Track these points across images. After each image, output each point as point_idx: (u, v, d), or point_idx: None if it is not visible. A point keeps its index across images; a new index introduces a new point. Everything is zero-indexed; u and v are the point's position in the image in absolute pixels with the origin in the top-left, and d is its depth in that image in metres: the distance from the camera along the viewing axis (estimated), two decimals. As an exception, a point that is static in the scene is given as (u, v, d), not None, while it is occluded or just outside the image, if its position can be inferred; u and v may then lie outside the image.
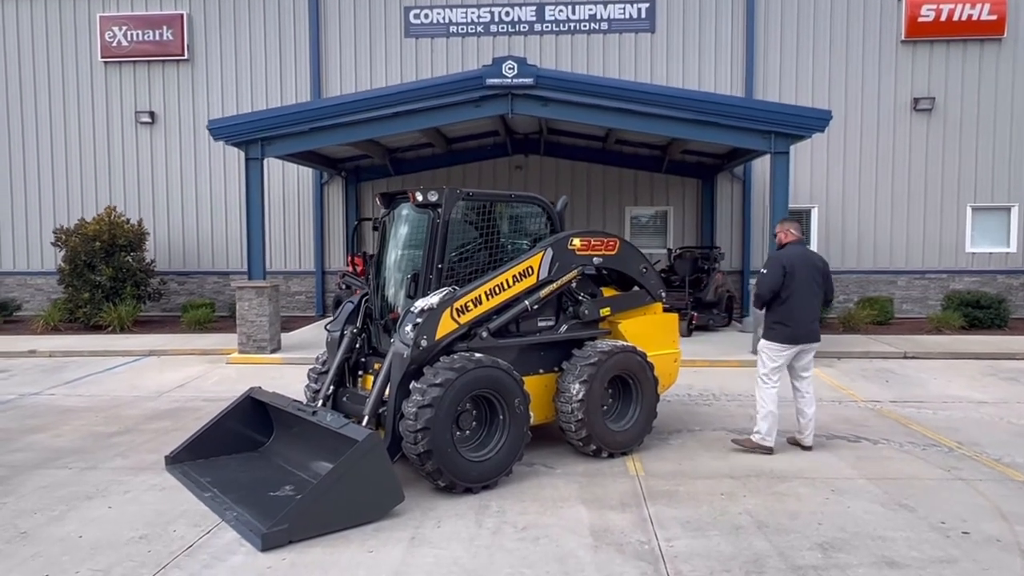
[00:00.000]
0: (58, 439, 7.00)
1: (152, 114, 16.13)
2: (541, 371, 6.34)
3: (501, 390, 5.51)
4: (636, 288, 6.96)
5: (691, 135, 10.89)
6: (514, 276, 5.96)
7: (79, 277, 14.14)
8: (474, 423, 5.56)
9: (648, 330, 6.85)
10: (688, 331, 12.63)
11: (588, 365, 6.10)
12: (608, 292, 6.89)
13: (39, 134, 16.35)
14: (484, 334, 5.81)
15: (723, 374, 9.98)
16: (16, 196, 16.44)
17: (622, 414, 6.46)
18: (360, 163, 15.86)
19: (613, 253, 6.64)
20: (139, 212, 15.92)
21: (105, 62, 16.16)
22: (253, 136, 10.88)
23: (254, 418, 6.34)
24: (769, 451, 6.32)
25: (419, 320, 5.45)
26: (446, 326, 5.55)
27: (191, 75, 16.11)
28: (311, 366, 6.64)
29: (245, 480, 5.63)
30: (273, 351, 11.23)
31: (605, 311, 6.66)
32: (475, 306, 5.72)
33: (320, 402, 6.08)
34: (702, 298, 13.37)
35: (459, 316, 5.63)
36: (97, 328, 13.95)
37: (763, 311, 6.61)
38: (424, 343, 5.42)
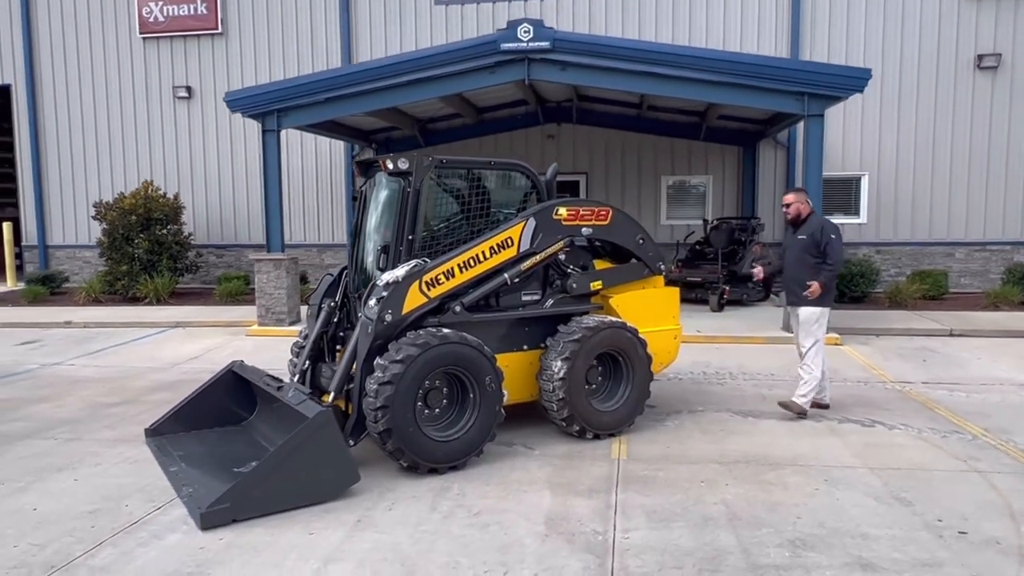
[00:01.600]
0: (59, 409, 7.11)
1: (189, 88, 16.31)
2: (526, 347, 6.05)
3: (470, 367, 5.26)
4: (634, 261, 6.57)
5: (717, 98, 10.28)
6: (491, 248, 5.66)
7: (117, 250, 14.49)
8: (444, 401, 5.34)
9: (643, 305, 6.46)
10: (719, 306, 12.10)
11: (571, 342, 5.78)
12: (602, 265, 6.52)
13: (83, 110, 16.75)
14: (457, 308, 5.55)
15: (746, 352, 9.47)
16: (64, 171, 16.95)
17: (611, 393, 6.13)
18: (391, 134, 15.69)
19: (605, 223, 6.26)
20: (178, 186, 16.19)
21: (143, 38, 16.39)
22: (269, 107, 10.81)
23: (239, 392, 6.27)
24: (803, 413, 6.49)
25: (384, 294, 5.23)
26: (414, 300, 5.32)
27: (225, 49, 16.19)
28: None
29: (218, 455, 5.55)
30: (292, 323, 11.25)
31: (596, 285, 6.30)
32: (447, 279, 5.46)
33: (296, 377, 5.96)
34: (737, 271, 12.76)
35: (428, 290, 5.38)
36: (135, 300, 14.30)
37: (803, 277, 6.48)
38: (389, 318, 5.20)
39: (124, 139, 16.70)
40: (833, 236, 6.39)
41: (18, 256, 17.72)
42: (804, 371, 6.53)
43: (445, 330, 5.26)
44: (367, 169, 6.07)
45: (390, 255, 5.56)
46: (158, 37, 16.34)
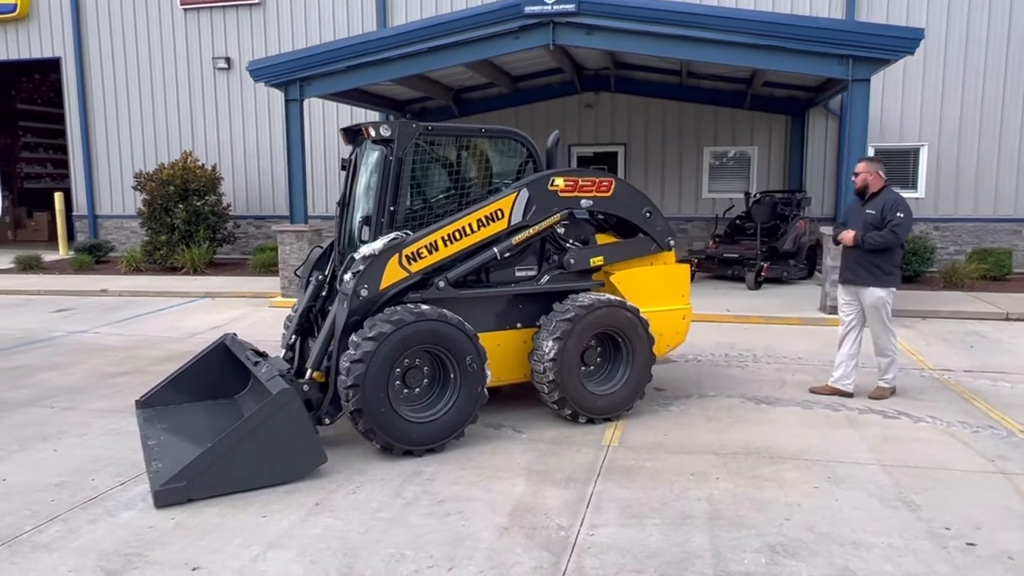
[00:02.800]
0: (66, 377, 7.17)
1: (228, 60, 16.36)
2: (519, 325, 5.74)
3: (449, 346, 4.99)
4: (641, 236, 6.17)
5: (751, 63, 9.64)
6: (479, 220, 5.35)
7: (156, 220, 14.72)
8: (426, 381, 5.10)
9: (648, 283, 6.07)
10: (756, 284, 11.51)
11: (563, 321, 5.45)
12: (605, 240, 6.14)
13: (128, 82, 17.00)
14: (441, 284, 5.27)
15: (776, 333, 8.95)
16: (111, 142, 17.30)
17: (610, 376, 5.78)
18: (425, 104, 15.42)
19: (607, 195, 5.86)
20: (218, 157, 16.33)
21: (185, 9, 16.47)
22: (291, 76, 10.66)
23: (234, 365, 6.17)
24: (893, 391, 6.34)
25: (361, 268, 5.00)
26: (393, 275, 5.07)
27: (263, 19, 16.14)
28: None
29: (201, 428, 5.44)
30: (315, 295, 11.17)
31: (597, 260, 5.93)
32: (429, 253, 5.19)
33: (284, 351, 5.82)
34: (778, 247, 12.12)
35: (409, 264, 5.12)
36: (173, 270, 14.53)
37: (870, 255, 6.12)
38: (364, 293, 4.97)
39: (167, 110, 16.90)
40: (901, 215, 5.99)
41: (71, 226, 18.25)
42: (882, 358, 6.30)
43: (423, 307, 5.01)
44: (354, 137, 5.81)
45: (372, 227, 5.31)
46: (199, 8, 16.41)
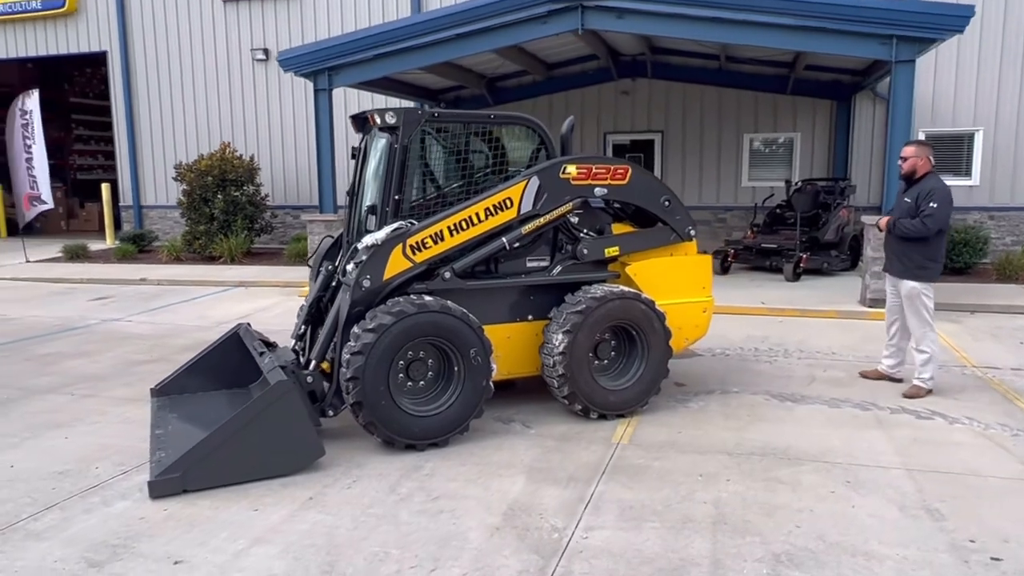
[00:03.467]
0: (92, 365, 7.29)
1: (266, 51, 16.50)
2: (531, 317, 5.58)
3: (453, 338, 4.87)
4: (661, 226, 5.93)
5: (790, 44, 9.24)
6: (487, 209, 5.20)
7: (195, 210, 14.95)
8: (431, 374, 4.99)
9: (666, 274, 5.84)
10: (794, 275, 11.09)
11: (574, 313, 5.27)
12: (622, 229, 5.92)
13: (171, 74, 17.31)
14: (447, 275, 5.14)
15: (812, 326, 8.59)
16: (155, 133, 17.66)
17: (624, 370, 5.59)
18: (459, 93, 15.32)
19: (622, 183, 5.64)
20: (256, 148, 16.51)
21: (224, 1, 16.66)
22: (320, 66, 10.66)
23: (250, 355, 6.16)
24: (930, 391, 6.00)
25: (363, 258, 4.91)
26: (396, 265, 4.96)
27: (300, 10, 16.22)
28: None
29: (211, 418, 5.40)
30: (343, 285, 11.20)
31: (611, 250, 5.72)
32: (435, 243, 5.06)
33: (294, 342, 5.78)
34: (819, 237, 11.68)
35: (414, 254, 5.00)
36: (211, 259, 14.75)
37: (905, 245, 5.93)
38: (367, 283, 4.88)
39: (207, 102, 17.15)
40: (935, 205, 5.72)
41: (118, 216, 18.72)
42: (919, 354, 6.01)
43: (427, 298, 4.88)
44: (363, 124, 5.71)
45: (377, 216, 5.21)
46: (238, 0, 16.57)
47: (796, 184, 13.11)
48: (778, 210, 12.61)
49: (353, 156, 5.90)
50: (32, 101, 14.49)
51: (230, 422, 4.33)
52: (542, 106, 15.21)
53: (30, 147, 14.70)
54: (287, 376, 4.65)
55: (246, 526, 3.84)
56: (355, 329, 4.76)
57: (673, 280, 5.87)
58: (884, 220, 6.09)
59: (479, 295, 5.33)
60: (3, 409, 5.89)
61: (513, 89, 15.24)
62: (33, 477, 4.51)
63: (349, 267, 5.00)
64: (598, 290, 5.42)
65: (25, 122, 14.58)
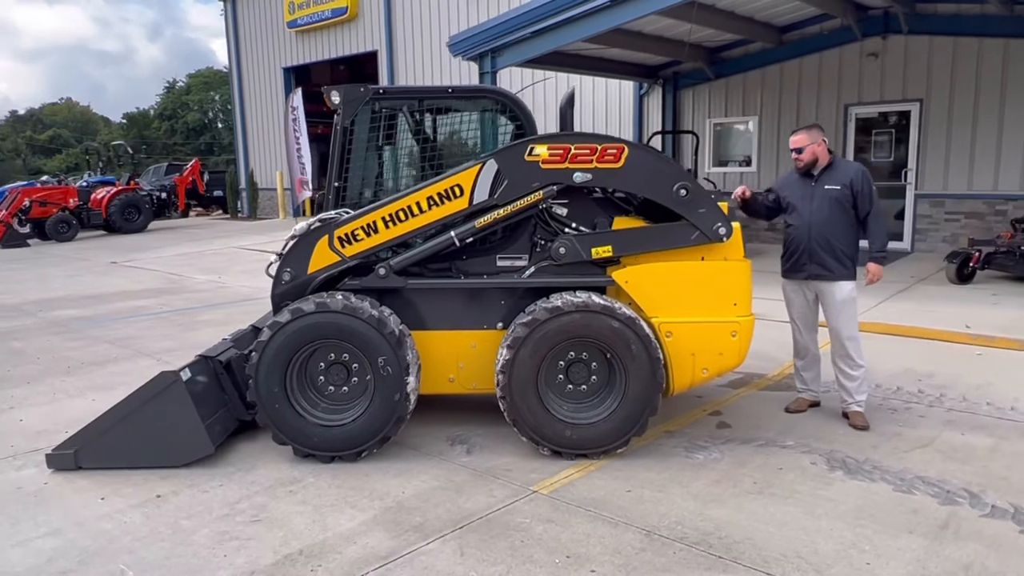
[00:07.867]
0: (214, 338, 8.05)
1: (500, 38, 16.80)
2: (500, 326, 4.73)
3: (358, 344, 4.32)
4: (683, 222, 4.60)
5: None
6: (430, 198, 4.49)
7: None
8: (355, 380, 4.49)
9: (673, 283, 4.51)
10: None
11: (520, 325, 4.36)
12: (625, 223, 4.71)
13: (424, 70, 18.56)
14: (382, 271, 4.57)
15: (1021, 364, 6.13)
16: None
17: (599, 402, 4.48)
18: (677, 68, 13.99)
19: (614, 166, 4.46)
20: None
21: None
22: (483, 48, 10.45)
23: None
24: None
25: (284, 250, 4.58)
26: (322, 258, 4.54)
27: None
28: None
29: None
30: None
31: (602, 250, 4.56)
32: (367, 235, 4.52)
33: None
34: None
35: (343, 247, 4.53)
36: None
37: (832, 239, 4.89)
38: (287, 277, 4.56)
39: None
40: (873, 188, 4.93)
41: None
42: (851, 367, 4.94)
43: (336, 297, 4.39)
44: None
45: (325, 205, 4.84)
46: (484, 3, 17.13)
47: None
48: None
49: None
50: (297, 98, 16.63)
51: (118, 406, 4.38)
52: (771, 77, 13.17)
53: (298, 139, 16.94)
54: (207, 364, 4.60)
55: (73, 515, 3.82)
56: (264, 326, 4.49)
57: (684, 292, 4.53)
58: (741, 190, 5.11)
59: (430, 296, 4.68)
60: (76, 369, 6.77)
61: (737, 59, 13.45)
62: (5, 435, 5.05)
63: (272, 258, 4.72)
64: (557, 299, 4.39)
65: (294, 117, 16.83)
